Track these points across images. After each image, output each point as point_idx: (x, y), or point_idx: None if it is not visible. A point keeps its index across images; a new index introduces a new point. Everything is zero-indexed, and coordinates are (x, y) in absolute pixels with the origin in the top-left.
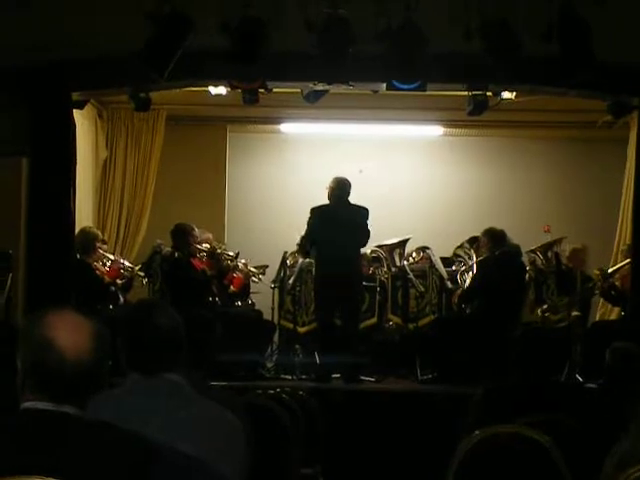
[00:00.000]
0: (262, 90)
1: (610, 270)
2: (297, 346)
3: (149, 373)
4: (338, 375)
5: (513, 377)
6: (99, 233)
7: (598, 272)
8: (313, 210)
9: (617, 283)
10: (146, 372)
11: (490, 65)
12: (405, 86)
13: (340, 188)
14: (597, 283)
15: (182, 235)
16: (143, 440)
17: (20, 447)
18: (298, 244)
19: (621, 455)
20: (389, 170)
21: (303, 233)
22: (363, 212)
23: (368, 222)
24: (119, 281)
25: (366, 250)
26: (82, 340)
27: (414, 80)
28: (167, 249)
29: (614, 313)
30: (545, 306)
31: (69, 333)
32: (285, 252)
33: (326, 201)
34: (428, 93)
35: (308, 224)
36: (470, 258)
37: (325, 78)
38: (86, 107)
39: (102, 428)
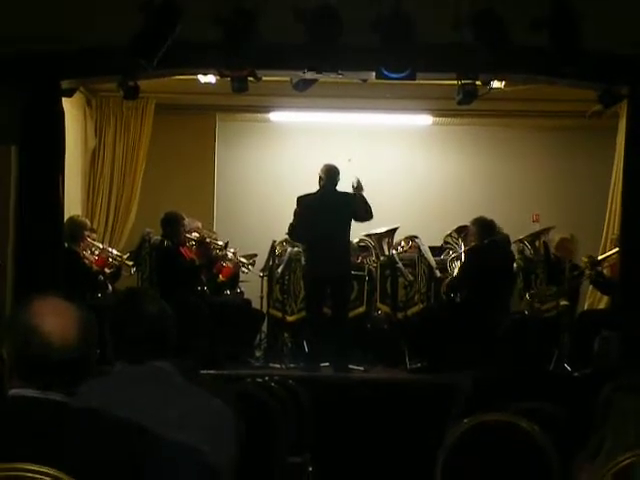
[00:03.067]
0: (251, 78)
1: (599, 258)
2: (286, 335)
3: (137, 362)
4: (327, 364)
5: (501, 366)
6: (88, 222)
7: (586, 259)
8: (300, 199)
9: (605, 272)
10: (134, 361)
11: (480, 54)
12: (394, 75)
13: (328, 176)
14: (585, 271)
15: (172, 224)
16: (134, 427)
17: (8, 435)
18: (287, 233)
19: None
20: (378, 159)
21: (292, 221)
22: (351, 197)
23: (360, 202)
24: (107, 270)
25: (354, 239)
26: (67, 326)
27: (403, 69)
28: (156, 238)
29: (602, 302)
30: (532, 291)
31: (54, 320)
32: (274, 241)
33: (315, 189)
34: (417, 82)
35: (295, 213)
36: (459, 247)
37: (314, 67)
38: (75, 95)
39: (92, 415)
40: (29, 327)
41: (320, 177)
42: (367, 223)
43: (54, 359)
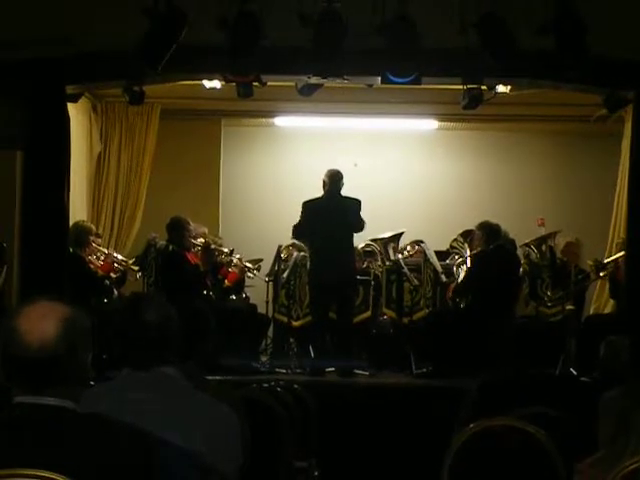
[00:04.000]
0: (256, 83)
1: (605, 262)
2: (291, 340)
3: (142, 368)
4: (333, 369)
5: (507, 370)
6: (93, 227)
7: (592, 263)
8: (305, 204)
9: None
10: (139, 367)
11: (485, 59)
12: (400, 80)
13: (332, 181)
14: (591, 274)
15: (177, 229)
16: (138, 432)
17: (12, 441)
18: (292, 229)
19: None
20: (384, 164)
21: (295, 223)
22: (355, 204)
23: (360, 213)
24: (113, 275)
25: (359, 244)
26: (46, 327)
27: (409, 74)
28: (161, 242)
29: (608, 307)
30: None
31: (33, 321)
32: (279, 246)
33: (320, 193)
34: (423, 87)
35: (301, 217)
36: (465, 251)
37: (320, 72)
38: (80, 101)
39: (96, 420)
40: (10, 330)
41: (324, 182)
42: (372, 228)
43: (32, 360)
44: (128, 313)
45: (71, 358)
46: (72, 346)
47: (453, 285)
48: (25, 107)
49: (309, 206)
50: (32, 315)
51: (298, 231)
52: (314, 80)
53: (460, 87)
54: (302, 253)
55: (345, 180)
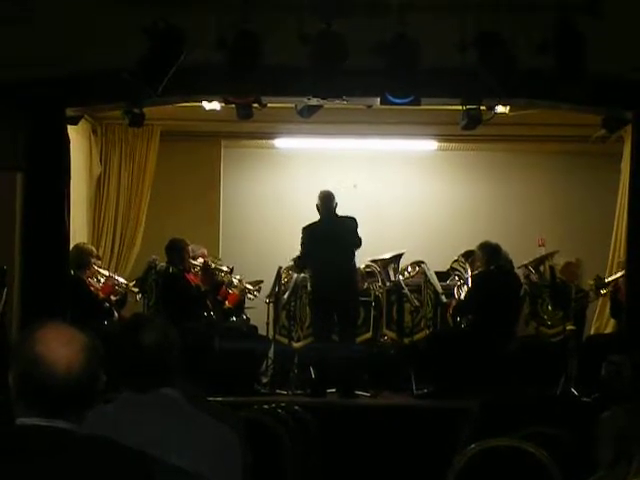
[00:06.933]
0: (256, 105)
1: (607, 280)
2: (292, 361)
3: (140, 390)
4: (333, 390)
5: (509, 391)
6: (93, 249)
7: (592, 282)
8: (304, 229)
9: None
10: (137, 390)
11: (484, 79)
12: (399, 100)
13: (324, 203)
14: (590, 293)
15: (176, 250)
16: (141, 455)
17: (13, 463)
18: (293, 260)
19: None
20: (384, 185)
21: (298, 253)
22: (351, 223)
23: (357, 231)
24: (113, 297)
25: (360, 265)
26: (72, 354)
27: (408, 94)
28: (162, 264)
29: (609, 327)
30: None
31: (58, 347)
32: (280, 267)
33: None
34: (422, 107)
35: (301, 244)
36: (465, 272)
37: (319, 93)
38: (80, 123)
39: (96, 442)
40: (33, 355)
41: (317, 206)
42: (372, 249)
43: (58, 387)
44: (127, 336)
45: (93, 385)
46: (93, 372)
47: (454, 302)
48: (25, 129)
49: (308, 232)
50: (56, 343)
51: (301, 263)
52: (313, 101)
53: (459, 108)
54: (302, 275)
55: (345, 201)
